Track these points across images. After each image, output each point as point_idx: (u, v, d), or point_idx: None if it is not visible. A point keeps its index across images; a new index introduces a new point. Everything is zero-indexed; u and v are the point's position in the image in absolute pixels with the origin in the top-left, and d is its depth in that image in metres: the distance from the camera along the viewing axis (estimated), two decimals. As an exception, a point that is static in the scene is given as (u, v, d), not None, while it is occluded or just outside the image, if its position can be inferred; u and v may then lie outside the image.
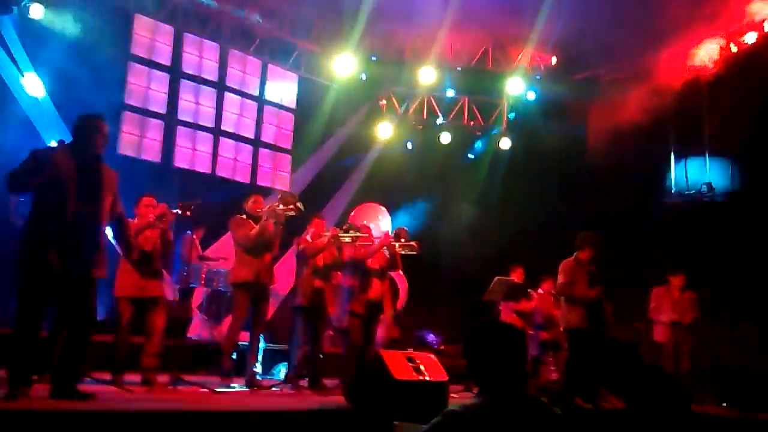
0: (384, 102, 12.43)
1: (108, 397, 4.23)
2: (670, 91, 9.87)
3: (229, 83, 10.79)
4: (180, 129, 10.16)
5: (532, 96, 12.28)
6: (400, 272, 7.52)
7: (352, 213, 9.05)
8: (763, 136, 9.71)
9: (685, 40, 9.89)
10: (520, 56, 11.87)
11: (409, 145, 12.73)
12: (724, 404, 7.47)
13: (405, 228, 7.37)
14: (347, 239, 6.52)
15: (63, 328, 4.19)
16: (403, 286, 8.01)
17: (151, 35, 9.87)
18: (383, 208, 9.82)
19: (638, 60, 10.23)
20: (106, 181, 4.23)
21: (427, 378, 4.87)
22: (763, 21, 10.00)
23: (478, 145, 12.92)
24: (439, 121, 12.55)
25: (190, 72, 10.35)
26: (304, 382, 6.15)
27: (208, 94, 10.55)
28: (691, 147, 11.01)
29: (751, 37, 10.08)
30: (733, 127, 9.86)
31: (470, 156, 12.98)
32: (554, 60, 12.07)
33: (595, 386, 6.36)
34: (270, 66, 11.32)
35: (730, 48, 10.17)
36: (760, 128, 9.65)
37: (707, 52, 10.17)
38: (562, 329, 6.76)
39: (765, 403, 7.21)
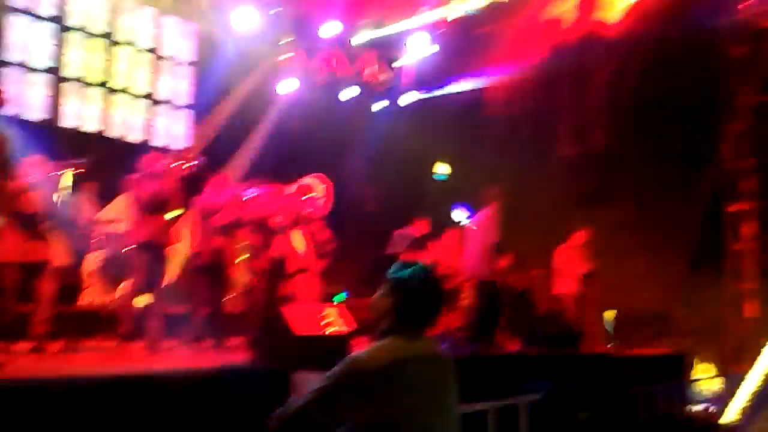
0: (287, 56, 12.15)
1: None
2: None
3: (119, 36, 10.23)
4: (65, 84, 9.58)
5: (433, 50, 12.32)
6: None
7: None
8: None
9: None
10: (421, 9, 11.84)
11: (320, 102, 12.53)
12: (611, 344, 8.03)
13: (309, 185, 7.37)
14: (248, 197, 6.44)
15: None
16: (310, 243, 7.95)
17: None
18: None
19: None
20: None
21: (331, 330, 4.93)
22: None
23: (380, 100, 12.91)
24: (342, 76, 12.42)
25: (77, 24, 9.73)
26: (208, 343, 6.09)
27: (96, 47, 9.97)
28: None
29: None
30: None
31: (372, 111, 12.96)
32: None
33: (493, 331, 6.73)
34: (164, 17, 10.81)
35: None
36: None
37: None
38: (461, 280, 7.10)
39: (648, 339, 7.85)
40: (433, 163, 11.11)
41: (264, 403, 2.40)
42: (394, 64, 12.51)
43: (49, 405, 3.20)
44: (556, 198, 10.27)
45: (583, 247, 8.26)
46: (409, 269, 2.29)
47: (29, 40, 9.18)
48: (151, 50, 10.68)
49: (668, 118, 9.93)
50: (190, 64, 11.19)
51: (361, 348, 2.25)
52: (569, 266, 8.14)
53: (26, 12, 9.16)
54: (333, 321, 5.06)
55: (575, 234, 8.28)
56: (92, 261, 7.12)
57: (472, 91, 11.39)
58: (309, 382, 2.26)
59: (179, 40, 11.05)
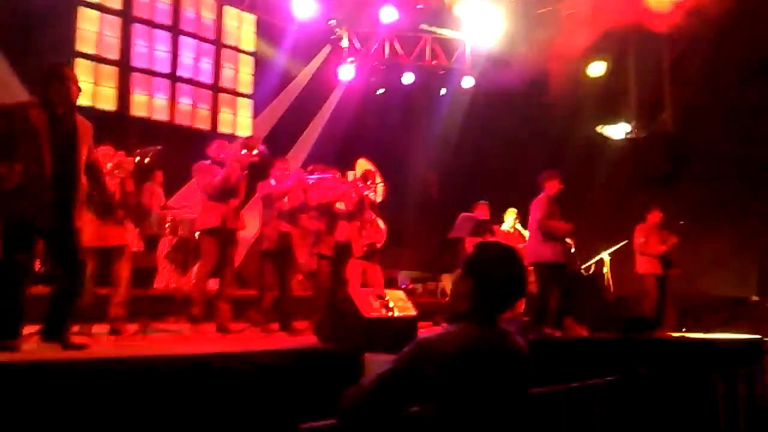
0: (345, 43, 12.17)
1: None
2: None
3: (183, 27, 10.46)
4: (134, 75, 9.87)
5: (494, 32, 12.12)
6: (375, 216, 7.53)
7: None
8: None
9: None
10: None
11: (379, 89, 12.53)
12: (684, 329, 7.78)
13: (372, 170, 7.37)
14: (312, 181, 6.50)
15: (54, 281, 4.15)
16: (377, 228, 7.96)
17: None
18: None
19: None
20: (81, 132, 4.11)
21: (397, 314, 4.94)
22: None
23: (441, 84, 12.79)
24: (402, 61, 12.37)
25: (143, 16, 10.00)
26: (275, 326, 6.18)
27: (163, 39, 10.23)
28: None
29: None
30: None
31: (434, 95, 12.85)
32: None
33: (561, 316, 6.61)
34: (225, 7, 10.99)
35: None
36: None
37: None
38: (528, 263, 6.93)
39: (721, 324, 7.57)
40: (494, 146, 10.95)
41: (336, 385, 2.40)
42: (455, 48, 12.36)
43: (129, 385, 3.31)
44: (623, 180, 9.99)
45: (659, 227, 7.96)
46: (492, 251, 2.23)
47: (99, 32, 9.48)
48: (214, 41, 10.88)
49: (741, 96, 9.48)
50: (251, 53, 11.34)
51: (428, 331, 2.20)
52: (650, 246, 7.85)
53: (96, 6, 9.45)
54: (398, 305, 5.06)
55: (651, 213, 7.98)
56: (164, 246, 7.32)
57: (535, 73, 11.12)
58: (380, 364, 2.23)
59: (240, 30, 11.21)
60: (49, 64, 4.15)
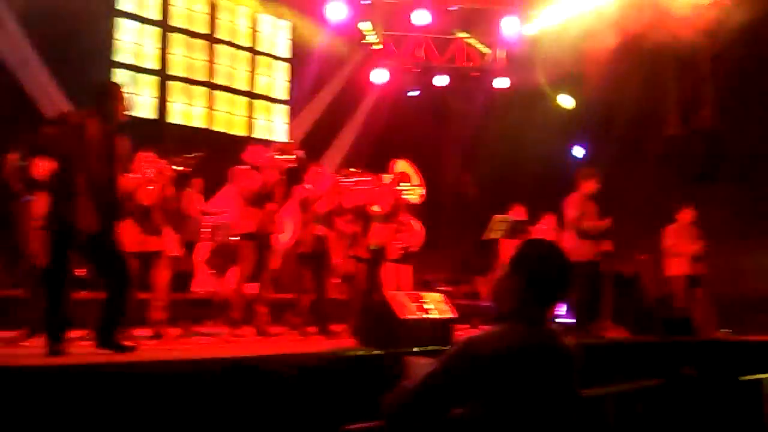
0: (379, 46, 12.21)
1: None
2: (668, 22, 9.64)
3: (219, 35, 10.63)
4: (172, 84, 10.05)
5: (528, 33, 12.04)
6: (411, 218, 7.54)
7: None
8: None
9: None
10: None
11: (413, 92, 12.53)
12: (726, 329, 7.61)
13: (407, 173, 7.38)
14: (347, 185, 6.54)
15: (102, 286, 4.30)
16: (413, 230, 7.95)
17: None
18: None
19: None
20: (121, 149, 4.36)
21: (434, 315, 4.93)
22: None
23: (475, 85, 12.74)
24: (435, 63, 12.37)
25: (180, 25, 10.18)
26: (312, 329, 6.23)
27: (199, 47, 10.40)
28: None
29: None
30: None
31: (466, 96, 12.80)
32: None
33: (600, 317, 6.51)
34: (260, 15, 11.13)
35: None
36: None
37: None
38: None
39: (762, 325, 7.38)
40: (529, 146, 10.85)
41: (377, 387, 2.41)
42: (487, 49, 12.32)
43: (174, 386, 3.37)
44: (661, 179, 9.82)
45: (691, 226, 7.77)
46: (539, 247, 2.22)
47: (137, 42, 9.69)
48: (249, 48, 11.02)
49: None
50: (286, 60, 11.46)
51: (465, 333, 2.18)
52: (679, 247, 7.67)
53: (133, 16, 9.66)
54: (434, 307, 5.06)
55: (681, 212, 7.78)
56: (201, 251, 7.43)
57: (571, 70, 11.00)
58: (421, 365, 2.23)
59: (274, 37, 11.34)
60: (106, 82, 4.38)
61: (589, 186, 6.64)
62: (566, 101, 11.42)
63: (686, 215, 7.76)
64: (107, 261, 4.24)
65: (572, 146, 10.66)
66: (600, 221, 6.58)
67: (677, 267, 7.67)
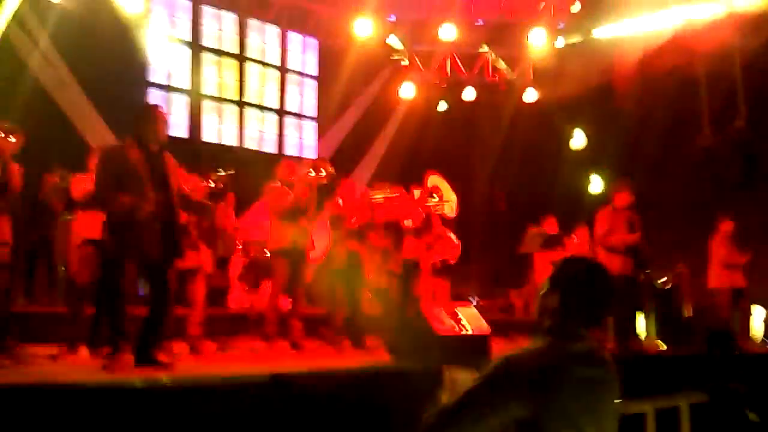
0: (407, 62, 12.27)
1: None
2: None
3: (249, 54, 10.78)
4: (205, 103, 10.21)
5: (556, 45, 12.01)
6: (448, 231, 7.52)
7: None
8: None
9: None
10: (541, 5, 11.59)
11: (441, 106, 12.54)
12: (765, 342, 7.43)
13: (438, 186, 7.36)
14: (379, 200, 6.55)
15: (146, 302, 4.39)
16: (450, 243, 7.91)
17: (169, 10, 9.87)
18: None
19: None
20: (171, 168, 4.39)
21: (469, 331, 4.89)
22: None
23: (504, 99, 12.71)
24: (463, 77, 12.39)
25: (210, 45, 10.36)
26: (347, 343, 6.22)
27: (230, 66, 10.57)
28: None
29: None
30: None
31: (496, 110, 12.76)
32: (577, 7, 11.76)
33: (632, 331, 6.39)
34: (289, 33, 11.27)
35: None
36: None
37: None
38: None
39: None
40: (561, 160, 10.77)
41: (413, 402, 2.39)
42: (516, 63, 12.31)
43: (210, 402, 3.39)
44: (697, 190, 9.67)
45: (733, 236, 7.60)
46: (579, 264, 2.21)
47: (170, 62, 9.88)
48: (278, 66, 11.16)
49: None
50: (314, 77, 11.57)
51: (501, 347, 2.16)
52: (722, 258, 7.49)
53: (166, 37, 9.86)
54: (470, 321, 5.02)
55: (722, 223, 7.63)
56: (235, 266, 7.48)
57: (600, 83, 10.93)
58: (461, 381, 2.21)
59: (303, 55, 11.47)
60: (144, 105, 4.44)
61: (622, 199, 6.50)
62: (578, 141, 11.37)
63: (727, 226, 7.62)
64: (158, 283, 4.29)
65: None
66: (628, 235, 6.40)
67: (722, 279, 7.49)
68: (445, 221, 7.47)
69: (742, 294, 7.44)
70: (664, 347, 6.40)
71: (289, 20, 11.20)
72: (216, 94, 10.37)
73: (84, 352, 4.94)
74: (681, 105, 10.58)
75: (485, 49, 12.21)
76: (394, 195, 6.65)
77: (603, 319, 2.15)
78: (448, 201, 7.35)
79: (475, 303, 9.40)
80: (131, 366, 4.06)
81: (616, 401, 2.11)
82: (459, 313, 5.06)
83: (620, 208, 6.46)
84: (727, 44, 9.64)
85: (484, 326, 5.08)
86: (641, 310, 6.70)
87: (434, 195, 7.20)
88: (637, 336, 6.55)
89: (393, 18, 11.68)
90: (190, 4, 10.11)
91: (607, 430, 2.09)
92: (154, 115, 4.37)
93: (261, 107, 10.89)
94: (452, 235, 7.51)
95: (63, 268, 5.64)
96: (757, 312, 8.22)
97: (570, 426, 2.00)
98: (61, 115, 8.47)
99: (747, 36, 9.32)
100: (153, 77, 9.70)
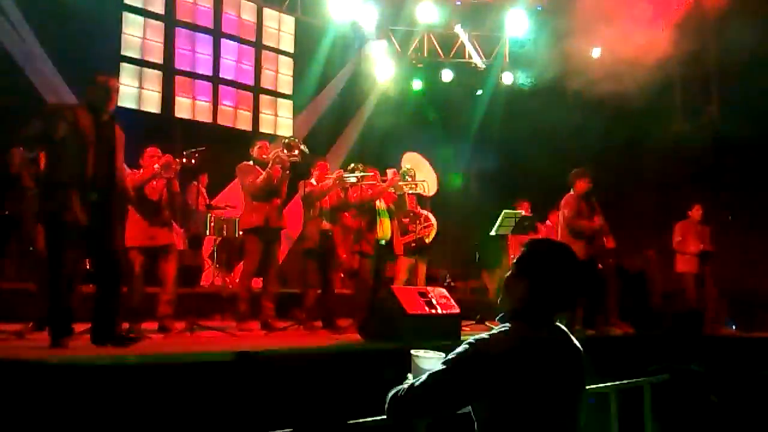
0: (384, 42, 12.17)
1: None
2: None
3: (225, 29, 10.63)
4: (178, 78, 10.06)
5: (532, 28, 12.00)
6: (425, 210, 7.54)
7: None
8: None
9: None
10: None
11: (417, 85, 12.47)
12: (734, 326, 7.60)
13: (413, 169, 7.36)
14: (352, 180, 6.53)
15: (94, 281, 4.31)
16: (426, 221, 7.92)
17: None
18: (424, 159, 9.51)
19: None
20: (119, 139, 4.30)
21: (440, 311, 4.93)
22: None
23: (481, 81, 12.70)
24: (440, 59, 12.35)
25: (185, 20, 10.18)
26: (318, 324, 6.24)
27: (205, 42, 10.40)
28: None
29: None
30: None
31: (472, 93, 12.75)
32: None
33: (605, 314, 6.51)
34: (265, 10, 11.12)
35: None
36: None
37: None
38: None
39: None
40: (535, 144, 10.80)
41: (383, 382, 2.41)
42: (493, 45, 12.28)
43: (179, 379, 3.38)
44: (667, 175, 9.79)
45: (701, 223, 7.81)
46: (545, 248, 2.17)
47: (143, 37, 9.70)
48: (254, 43, 11.01)
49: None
50: (291, 54, 11.45)
51: (469, 332, 2.15)
52: (688, 244, 7.71)
53: (140, 11, 9.67)
54: (440, 302, 5.06)
55: (692, 210, 7.83)
56: (209, 246, 7.44)
57: (574, 68, 10.95)
58: (427, 361, 2.22)
59: (279, 33, 11.33)
60: (95, 73, 4.31)
61: (581, 186, 6.66)
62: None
63: (696, 212, 7.79)
64: (99, 257, 4.22)
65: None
66: (591, 222, 6.55)
67: (687, 264, 7.68)
68: (423, 200, 7.49)
69: (707, 279, 7.62)
70: (631, 330, 6.50)
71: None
72: (190, 70, 10.21)
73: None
74: (655, 90, 10.66)
75: (463, 28, 12.13)
76: (367, 175, 6.63)
77: (571, 305, 2.13)
78: (424, 180, 7.35)
79: (446, 284, 9.47)
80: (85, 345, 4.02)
81: (583, 388, 2.11)
82: (430, 293, 5.10)
83: (582, 194, 6.62)
84: (702, 28, 9.71)
85: (454, 307, 5.13)
86: (607, 293, 6.80)
87: (407, 176, 7.19)
88: (609, 318, 6.67)
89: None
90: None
91: (574, 416, 2.10)
92: (106, 84, 4.28)
93: (236, 84, 10.75)
94: (429, 214, 7.53)
95: (31, 247, 5.56)
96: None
97: (537, 408, 2.01)
98: (29, 88, 8.29)
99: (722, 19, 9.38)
100: (125, 51, 9.51)
